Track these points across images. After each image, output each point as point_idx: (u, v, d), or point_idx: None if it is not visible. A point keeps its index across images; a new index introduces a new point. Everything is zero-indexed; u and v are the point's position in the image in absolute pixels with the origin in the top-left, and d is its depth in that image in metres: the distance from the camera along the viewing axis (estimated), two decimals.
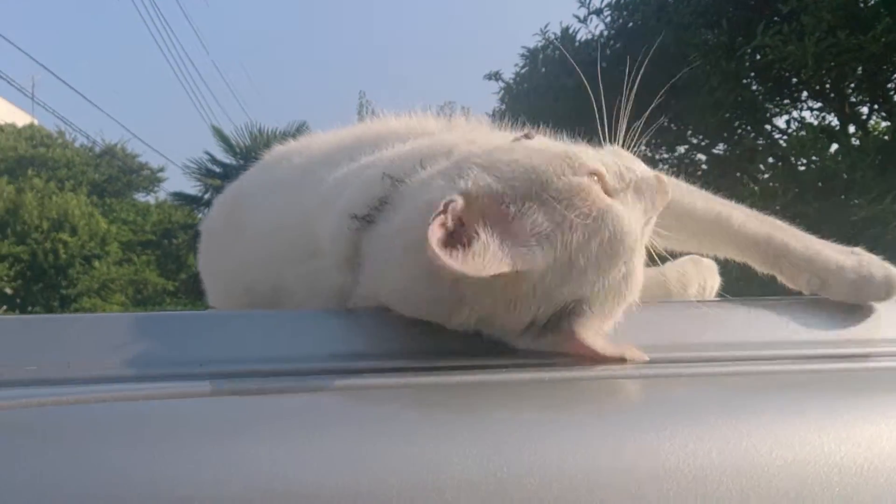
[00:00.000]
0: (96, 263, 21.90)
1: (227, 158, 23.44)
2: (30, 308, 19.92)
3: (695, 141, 10.10)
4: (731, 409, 0.74)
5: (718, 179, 9.59)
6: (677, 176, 1.27)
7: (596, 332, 0.92)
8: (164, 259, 24.68)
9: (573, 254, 0.89)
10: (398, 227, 0.95)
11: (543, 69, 9.31)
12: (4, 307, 19.63)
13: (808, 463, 0.66)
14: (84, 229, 22.34)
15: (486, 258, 0.84)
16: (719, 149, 10.09)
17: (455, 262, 0.82)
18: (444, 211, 0.85)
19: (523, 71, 9.83)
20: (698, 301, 1.21)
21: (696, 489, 0.62)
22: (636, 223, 0.95)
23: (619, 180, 0.98)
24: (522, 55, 9.73)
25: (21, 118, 30.48)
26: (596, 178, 0.95)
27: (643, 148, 1.15)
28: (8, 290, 19.88)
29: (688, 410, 0.74)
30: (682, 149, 10.34)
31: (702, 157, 10.70)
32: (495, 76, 9.98)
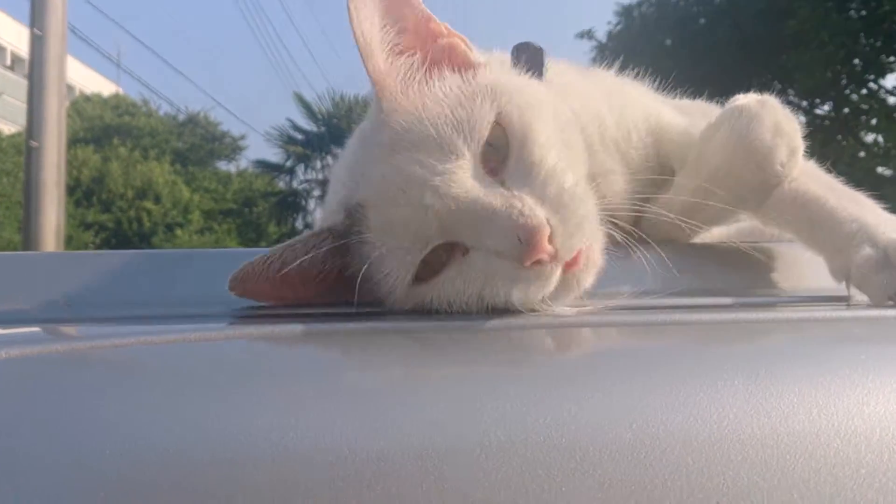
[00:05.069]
0: (179, 231, 22.32)
1: (308, 125, 23.49)
2: None
3: (796, 101, 9.59)
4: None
5: (821, 143, 9.07)
6: None
7: None
8: (245, 228, 25.00)
9: None
10: None
11: (639, 27, 8.91)
12: None
13: None
14: (167, 198, 22.78)
15: None
16: (823, 109, 9.55)
17: None
18: None
19: (617, 29, 9.41)
20: None
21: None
22: None
23: None
24: (617, 12, 9.31)
25: (107, 87, 31.26)
26: None
27: None
28: None
29: None
30: None
31: (803, 118, 10.17)
32: (588, 35, 9.58)
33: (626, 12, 9.09)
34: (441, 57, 0.94)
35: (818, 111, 9.67)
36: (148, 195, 22.48)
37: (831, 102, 9.32)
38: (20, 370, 0.54)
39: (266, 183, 25.71)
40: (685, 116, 1.15)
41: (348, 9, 0.88)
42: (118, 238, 21.64)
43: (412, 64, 0.92)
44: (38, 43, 6.34)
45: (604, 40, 9.34)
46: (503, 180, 0.83)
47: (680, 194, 1.02)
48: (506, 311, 0.80)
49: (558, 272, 0.81)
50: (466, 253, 0.83)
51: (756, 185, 0.96)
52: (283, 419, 0.46)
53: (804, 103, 9.62)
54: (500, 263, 0.80)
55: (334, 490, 0.43)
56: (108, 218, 21.50)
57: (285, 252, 0.88)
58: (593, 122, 1.06)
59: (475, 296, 0.83)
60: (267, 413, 0.47)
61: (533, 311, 0.81)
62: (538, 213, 0.78)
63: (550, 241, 0.78)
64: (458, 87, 0.90)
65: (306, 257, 0.87)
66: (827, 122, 9.37)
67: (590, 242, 0.83)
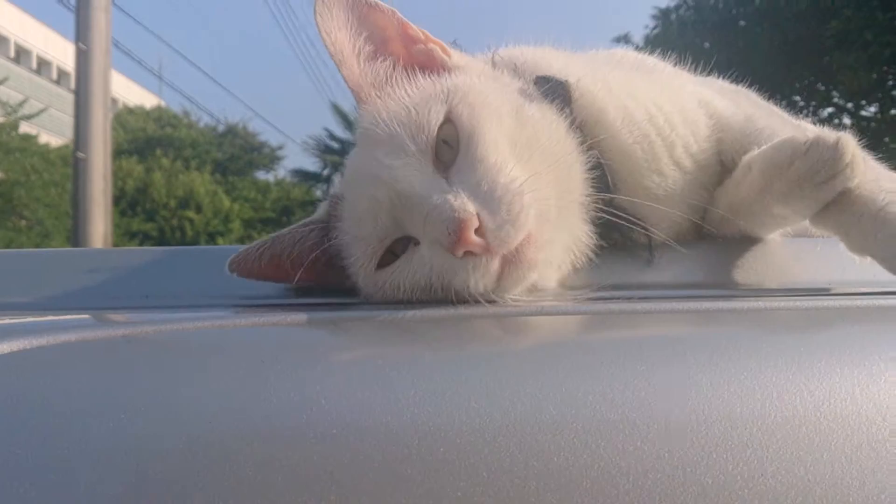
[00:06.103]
0: (220, 240, 22.56)
1: (345, 134, 23.67)
2: None
3: (841, 102, 9.41)
4: None
5: (868, 145, 8.88)
6: None
7: None
8: None
9: None
10: None
11: (677, 30, 8.84)
12: None
13: None
14: (208, 207, 23.08)
15: None
16: (869, 111, 9.37)
17: None
18: None
19: (654, 33, 9.33)
20: None
21: None
22: None
23: None
24: (654, 16, 9.26)
25: (149, 100, 31.83)
26: None
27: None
28: None
29: None
30: (825, 112, 9.70)
31: (847, 121, 9.98)
32: (624, 39, 9.49)
33: (663, 15, 9.01)
34: (421, 61, 1.00)
35: (864, 113, 9.50)
36: (190, 204, 22.79)
37: (877, 104, 9.13)
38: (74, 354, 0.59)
39: (304, 192, 25.92)
40: (727, 100, 1.16)
41: (315, 20, 0.93)
42: (162, 247, 21.94)
43: (386, 68, 0.98)
44: (83, 57, 6.50)
45: (641, 44, 9.30)
46: (448, 176, 0.88)
47: (734, 195, 1.03)
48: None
49: (495, 264, 0.84)
50: (418, 244, 0.89)
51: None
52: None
53: (849, 105, 9.45)
54: (440, 254, 0.85)
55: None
56: (151, 227, 21.83)
57: (275, 241, 0.98)
58: (649, 136, 1.04)
59: (424, 284, 0.88)
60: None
61: (489, 301, 0.84)
62: (469, 207, 0.82)
63: (481, 233, 0.82)
64: (421, 89, 0.96)
65: (294, 247, 0.98)
66: (873, 124, 9.17)
67: (532, 237, 0.86)
